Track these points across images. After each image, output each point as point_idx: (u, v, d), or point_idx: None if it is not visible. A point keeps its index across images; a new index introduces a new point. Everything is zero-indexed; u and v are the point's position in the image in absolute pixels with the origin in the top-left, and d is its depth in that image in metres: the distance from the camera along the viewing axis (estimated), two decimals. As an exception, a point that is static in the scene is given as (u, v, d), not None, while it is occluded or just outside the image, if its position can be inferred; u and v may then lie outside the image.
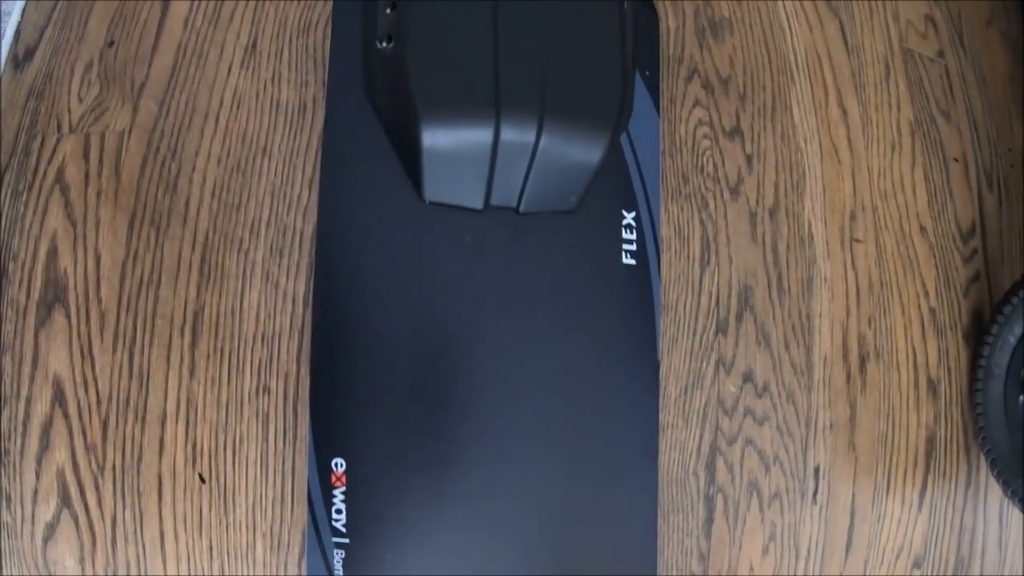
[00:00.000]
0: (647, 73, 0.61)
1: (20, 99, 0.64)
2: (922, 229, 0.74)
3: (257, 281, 0.57)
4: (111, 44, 0.64)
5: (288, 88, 0.60)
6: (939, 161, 0.78)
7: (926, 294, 0.73)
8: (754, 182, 0.65)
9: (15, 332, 0.57)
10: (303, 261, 0.58)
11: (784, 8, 0.73)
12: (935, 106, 0.80)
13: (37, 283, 0.58)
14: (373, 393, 0.54)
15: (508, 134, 0.50)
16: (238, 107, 0.60)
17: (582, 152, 0.52)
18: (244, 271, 0.57)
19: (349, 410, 0.54)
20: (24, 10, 0.68)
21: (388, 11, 0.56)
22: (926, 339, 0.73)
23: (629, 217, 0.58)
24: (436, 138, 0.50)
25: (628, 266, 0.57)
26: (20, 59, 0.65)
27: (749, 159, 0.65)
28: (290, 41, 0.61)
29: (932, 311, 0.73)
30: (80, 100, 0.62)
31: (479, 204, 0.54)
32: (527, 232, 0.55)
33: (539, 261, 0.55)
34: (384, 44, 0.55)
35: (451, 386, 0.54)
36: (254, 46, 0.62)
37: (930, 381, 0.73)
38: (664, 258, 0.60)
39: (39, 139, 0.62)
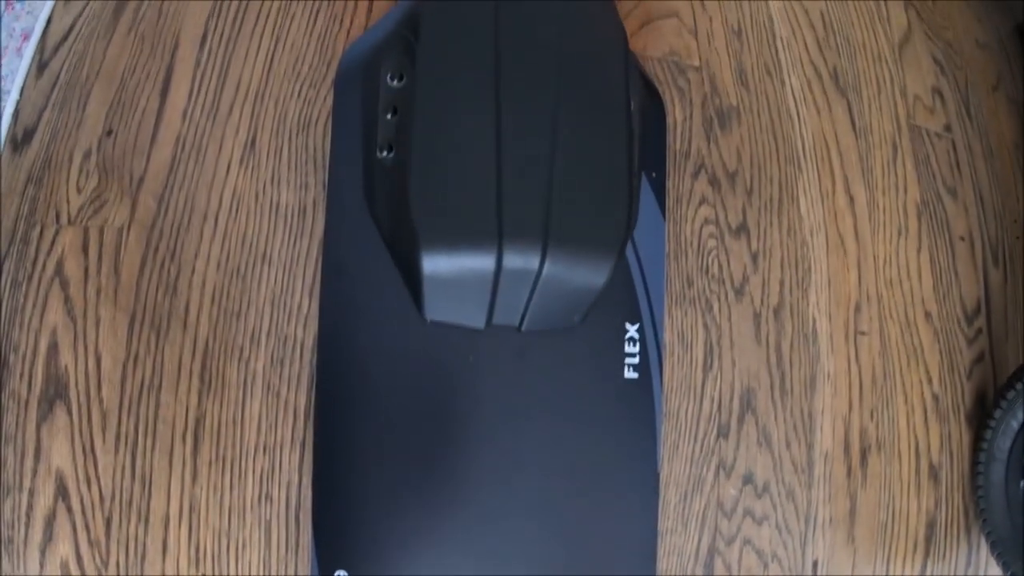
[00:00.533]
0: (653, 175, 0.60)
1: (19, 184, 0.63)
2: (927, 315, 0.74)
3: (258, 391, 0.57)
4: (110, 133, 0.62)
5: (288, 190, 0.59)
6: (945, 242, 0.77)
7: (929, 381, 0.73)
8: (759, 281, 0.64)
9: (17, 424, 0.57)
10: (304, 372, 0.57)
11: (792, 92, 0.72)
12: (942, 184, 0.79)
13: (38, 377, 0.57)
14: (376, 506, 0.54)
15: (511, 262, 0.49)
16: (237, 209, 0.59)
17: (587, 276, 0.51)
18: (245, 380, 0.57)
19: (352, 522, 0.54)
20: (23, 88, 0.67)
21: (388, 117, 0.55)
22: (928, 426, 0.72)
23: (632, 330, 0.57)
24: (437, 265, 0.49)
25: (630, 380, 0.57)
26: (19, 141, 0.64)
27: (755, 257, 0.65)
28: (290, 139, 0.60)
29: (935, 397, 0.73)
30: (79, 191, 0.61)
31: (480, 324, 0.53)
32: (528, 349, 0.55)
33: (540, 379, 0.55)
34: (384, 153, 0.55)
35: (452, 499, 0.54)
36: (253, 143, 0.61)
37: (931, 467, 0.73)
38: (666, 366, 0.60)
39: (38, 228, 0.61)
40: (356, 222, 0.55)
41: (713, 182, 0.64)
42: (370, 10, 0.65)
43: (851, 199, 0.72)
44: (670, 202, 0.62)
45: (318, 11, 0.64)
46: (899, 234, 0.74)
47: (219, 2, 0.65)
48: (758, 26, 0.73)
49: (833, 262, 0.69)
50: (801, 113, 0.71)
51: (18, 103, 0.65)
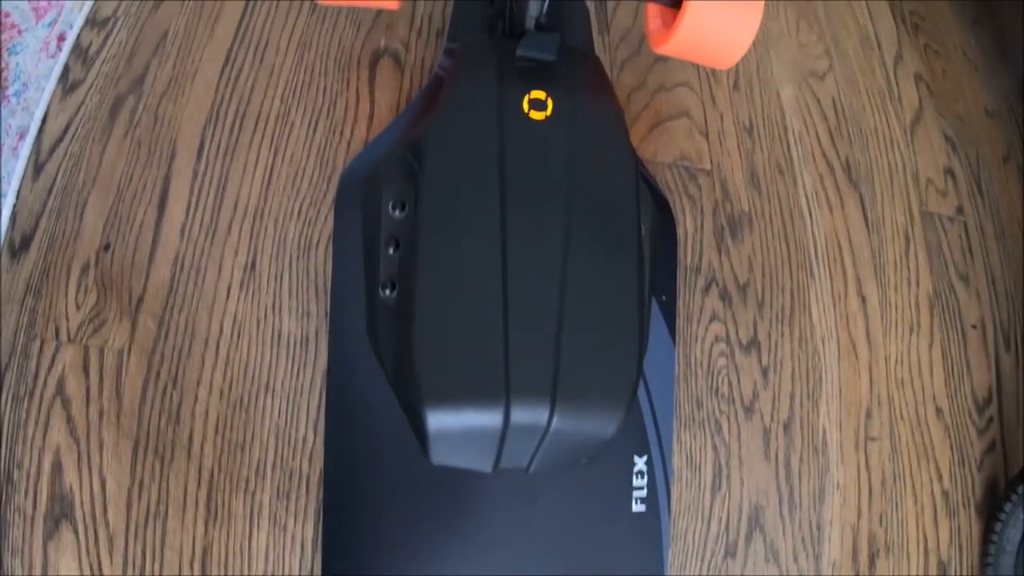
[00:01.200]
0: (664, 297, 0.59)
1: (18, 294, 0.62)
2: (938, 411, 0.73)
3: (264, 523, 0.56)
4: (107, 247, 0.61)
5: (290, 318, 0.58)
6: (957, 332, 0.76)
7: (940, 478, 0.72)
8: (769, 396, 0.63)
9: (23, 539, 0.57)
10: (310, 506, 0.56)
11: (805, 191, 0.71)
12: (954, 272, 0.78)
13: (43, 495, 0.57)
14: None
15: (518, 417, 0.48)
16: (239, 336, 0.58)
17: (596, 428, 0.50)
18: (251, 512, 0.56)
19: None
20: (19, 191, 0.65)
21: (391, 251, 0.54)
22: (938, 523, 0.72)
23: (640, 463, 0.56)
24: (441, 422, 0.48)
25: (638, 514, 0.56)
26: (16, 248, 0.63)
27: (765, 372, 0.64)
28: (290, 263, 0.59)
29: (945, 493, 0.72)
30: (78, 307, 0.60)
31: (488, 468, 0.52)
32: (537, 487, 0.54)
33: (547, 515, 0.54)
34: (387, 292, 0.53)
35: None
36: (253, 266, 0.59)
37: (940, 563, 0.72)
38: (674, 491, 0.59)
39: (38, 342, 0.60)
40: (359, 359, 0.53)
41: (724, 296, 0.62)
42: (371, 117, 0.64)
43: (863, 300, 0.71)
44: (680, 321, 0.60)
45: (317, 120, 0.63)
46: (911, 331, 0.73)
47: (215, 108, 0.63)
48: (770, 121, 0.72)
49: (844, 369, 0.68)
50: (814, 213, 0.70)
51: (15, 207, 0.64)
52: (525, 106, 0.52)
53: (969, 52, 0.95)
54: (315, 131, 0.62)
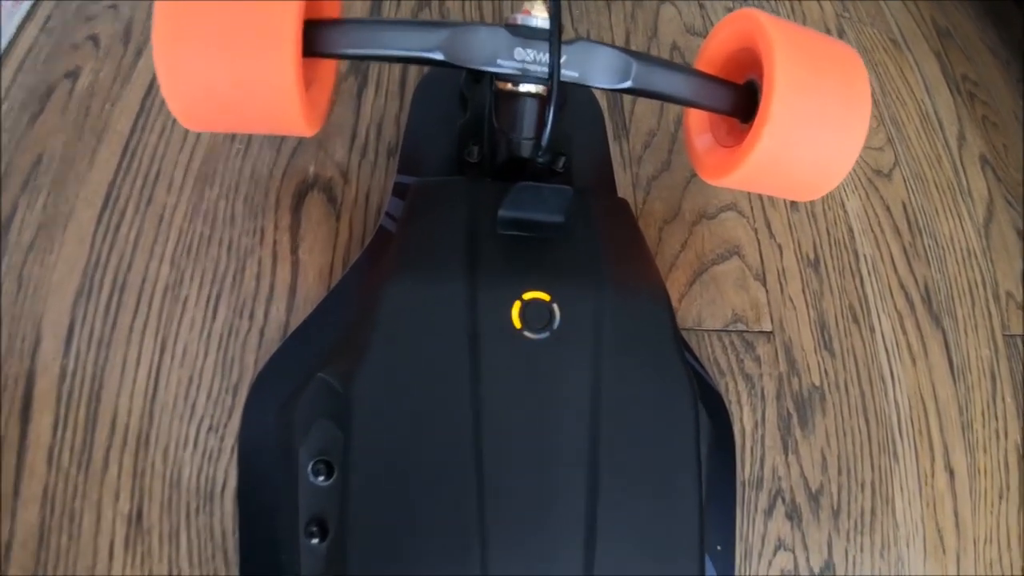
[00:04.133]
0: (719, 548, 0.43)
1: None
2: (1026, 590, 0.60)
3: None
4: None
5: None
6: (1045, 485, 0.62)
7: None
8: (848, 637, 0.49)
9: None
10: None
11: (883, 340, 0.55)
12: (1041, 406, 0.64)
13: None
14: None
15: None
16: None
17: None
18: None
19: None
20: None
21: (313, 541, 0.35)
22: None
23: None
24: None
25: None
26: None
27: (843, 605, 0.49)
28: (187, 516, 0.40)
29: None
30: None
31: None
32: None
33: None
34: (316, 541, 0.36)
35: None
36: (139, 518, 0.41)
37: None
38: None
39: None
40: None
41: (792, 514, 0.47)
42: (293, 290, 0.45)
43: (951, 474, 0.56)
44: (737, 559, 0.45)
45: (219, 294, 0.44)
46: (1000, 498, 0.59)
47: (89, 274, 0.44)
48: (838, 247, 0.56)
49: (931, 568, 0.54)
50: (895, 369, 0.54)
51: None
52: (515, 317, 0.34)
53: (1020, 116, 0.80)
54: (215, 312, 0.43)
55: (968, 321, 0.61)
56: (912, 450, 0.54)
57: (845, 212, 0.57)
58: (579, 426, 0.33)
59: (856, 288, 0.54)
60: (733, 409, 0.47)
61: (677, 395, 0.35)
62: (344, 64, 0.57)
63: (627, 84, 0.38)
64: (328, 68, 0.41)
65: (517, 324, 0.34)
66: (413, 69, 0.60)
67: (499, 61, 0.36)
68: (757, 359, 0.49)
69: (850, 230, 0.56)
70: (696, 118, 0.46)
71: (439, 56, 0.35)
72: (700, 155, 0.44)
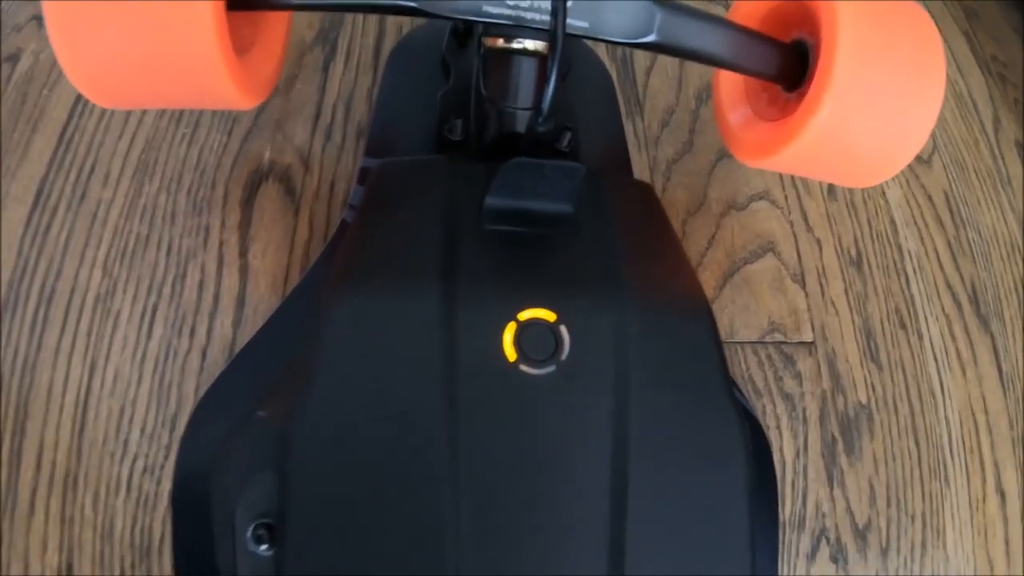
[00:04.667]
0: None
1: None
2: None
3: None
4: None
5: None
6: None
7: None
8: None
9: None
10: None
11: (932, 347, 0.49)
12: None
13: None
14: None
15: None
16: None
17: None
18: None
19: None
20: None
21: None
22: None
23: None
24: None
25: None
26: None
27: (893, 655, 0.43)
28: (122, 574, 0.34)
29: None
30: None
31: None
32: None
33: None
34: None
35: None
36: (69, 573, 0.34)
37: None
38: None
39: None
40: None
41: (837, 556, 0.41)
42: (241, 302, 0.37)
43: (1002, 496, 0.51)
44: None
45: (155, 307, 0.36)
46: (1049, 518, 0.54)
47: (16, 282, 0.36)
48: (881, 242, 0.49)
49: (980, 603, 0.49)
50: (944, 381, 0.48)
51: None
52: (508, 346, 0.26)
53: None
54: (150, 329, 0.35)
55: (1016, 323, 0.55)
56: (964, 473, 0.48)
57: (886, 202, 0.50)
58: (599, 499, 0.26)
59: (902, 289, 0.48)
60: (772, 435, 0.40)
61: (729, 452, 0.27)
62: (310, 32, 0.49)
63: (650, 38, 0.30)
64: (275, 27, 0.33)
65: (511, 355, 0.26)
66: (390, 36, 0.52)
67: (486, 8, 0.28)
68: (798, 375, 0.42)
69: (892, 222, 0.50)
70: (729, 86, 0.38)
71: (411, 3, 0.27)
72: (735, 131, 0.37)
